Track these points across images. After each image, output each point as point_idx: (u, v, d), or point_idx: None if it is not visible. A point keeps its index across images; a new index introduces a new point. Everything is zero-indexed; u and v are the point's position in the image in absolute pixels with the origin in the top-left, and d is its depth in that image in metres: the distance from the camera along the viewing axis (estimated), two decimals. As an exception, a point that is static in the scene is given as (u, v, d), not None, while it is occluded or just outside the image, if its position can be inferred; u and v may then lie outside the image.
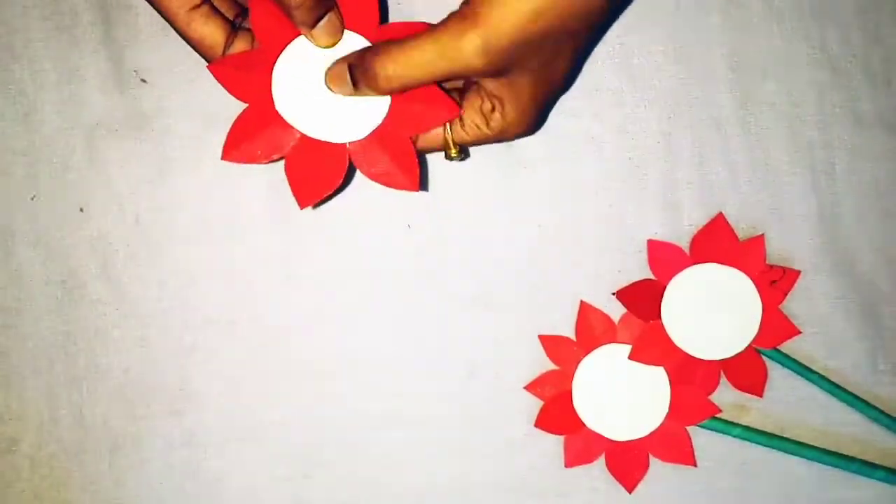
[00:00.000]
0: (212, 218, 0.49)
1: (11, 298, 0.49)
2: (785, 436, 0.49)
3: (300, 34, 0.40)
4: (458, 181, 0.49)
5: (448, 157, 0.43)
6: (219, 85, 0.48)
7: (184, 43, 0.48)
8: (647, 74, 0.49)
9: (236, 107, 0.48)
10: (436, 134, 0.43)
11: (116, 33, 0.48)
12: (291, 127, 0.40)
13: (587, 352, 0.48)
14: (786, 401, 0.49)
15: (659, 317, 0.48)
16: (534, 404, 0.49)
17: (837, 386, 0.49)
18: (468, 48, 0.37)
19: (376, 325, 0.49)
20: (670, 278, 0.48)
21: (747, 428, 0.48)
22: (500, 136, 0.43)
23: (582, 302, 0.49)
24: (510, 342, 0.49)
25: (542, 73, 0.40)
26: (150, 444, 0.49)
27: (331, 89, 0.41)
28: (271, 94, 0.40)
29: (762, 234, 0.48)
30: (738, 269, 0.48)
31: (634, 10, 0.49)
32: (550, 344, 0.49)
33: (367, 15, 0.41)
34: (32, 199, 0.49)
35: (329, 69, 0.41)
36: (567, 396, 0.48)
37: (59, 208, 0.49)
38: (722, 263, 0.48)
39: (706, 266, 0.48)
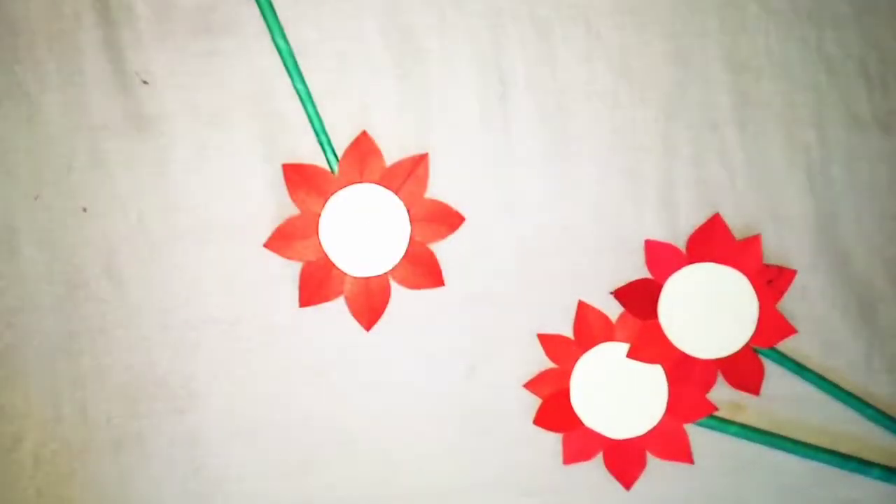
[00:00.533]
0: (213, 218, 0.49)
1: (15, 297, 0.49)
2: (781, 434, 0.49)
3: (332, 196, 0.48)
4: (457, 181, 0.49)
5: None
6: (219, 86, 0.49)
7: (183, 45, 0.49)
8: (645, 75, 0.49)
9: (236, 108, 0.49)
10: None
11: (118, 36, 0.49)
12: (344, 272, 0.49)
13: (585, 350, 0.49)
14: (782, 399, 0.49)
15: (656, 316, 0.48)
16: (533, 402, 0.49)
17: (834, 384, 0.49)
18: None
19: (376, 325, 0.49)
20: (667, 278, 0.48)
21: (744, 426, 0.49)
22: None
23: (580, 301, 0.49)
24: (509, 341, 0.49)
25: None
26: (153, 442, 0.49)
27: None
28: (321, 249, 0.49)
29: (759, 234, 0.49)
30: (735, 268, 0.48)
31: (632, 11, 0.49)
32: (549, 343, 0.49)
33: (375, 163, 0.49)
34: (36, 199, 0.49)
35: None
36: (565, 394, 0.49)
37: (62, 208, 0.49)
38: (719, 263, 0.48)
39: (703, 265, 0.48)
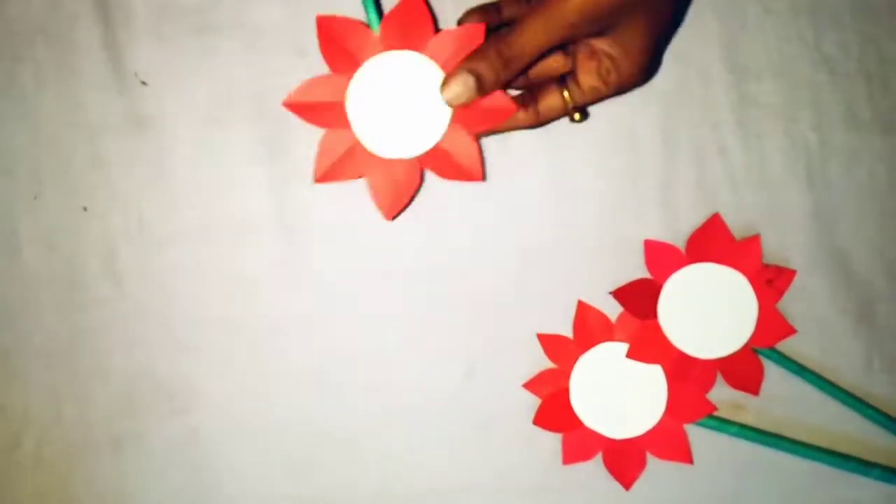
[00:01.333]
0: (213, 217, 0.49)
1: (15, 297, 0.49)
2: (781, 434, 0.49)
3: (367, 60, 0.43)
4: (456, 181, 0.49)
5: (572, 120, 0.46)
6: (217, 85, 0.49)
7: (182, 45, 0.49)
8: (645, 75, 0.49)
9: (236, 107, 0.49)
10: (556, 104, 0.45)
11: (117, 36, 0.49)
12: (369, 151, 0.44)
13: (585, 350, 0.49)
14: (782, 399, 0.49)
15: (656, 316, 0.48)
16: (533, 402, 0.49)
17: (833, 385, 0.49)
18: (569, 16, 0.40)
19: (376, 325, 0.49)
20: (667, 277, 0.48)
21: (743, 426, 0.49)
22: (619, 90, 0.45)
23: (579, 301, 0.49)
24: (509, 341, 0.49)
25: (647, 22, 0.42)
26: (153, 442, 0.49)
27: (450, 103, 0.43)
28: (345, 119, 0.43)
29: (758, 234, 0.49)
30: (735, 268, 0.48)
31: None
32: (548, 343, 0.49)
33: (423, 30, 0.43)
34: (35, 198, 0.49)
35: (447, 84, 0.42)
36: (565, 394, 0.49)
37: (62, 208, 0.49)
38: (718, 263, 0.48)
39: (703, 265, 0.48)
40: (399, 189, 0.44)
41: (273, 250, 0.49)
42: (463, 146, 0.44)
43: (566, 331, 0.49)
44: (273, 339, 0.49)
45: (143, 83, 0.49)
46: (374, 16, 0.43)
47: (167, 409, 0.49)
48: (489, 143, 0.49)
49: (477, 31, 0.42)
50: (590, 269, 0.49)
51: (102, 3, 0.49)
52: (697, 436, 0.49)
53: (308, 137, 0.49)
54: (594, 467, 0.49)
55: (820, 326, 0.49)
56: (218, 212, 0.49)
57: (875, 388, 0.49)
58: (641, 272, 0.49)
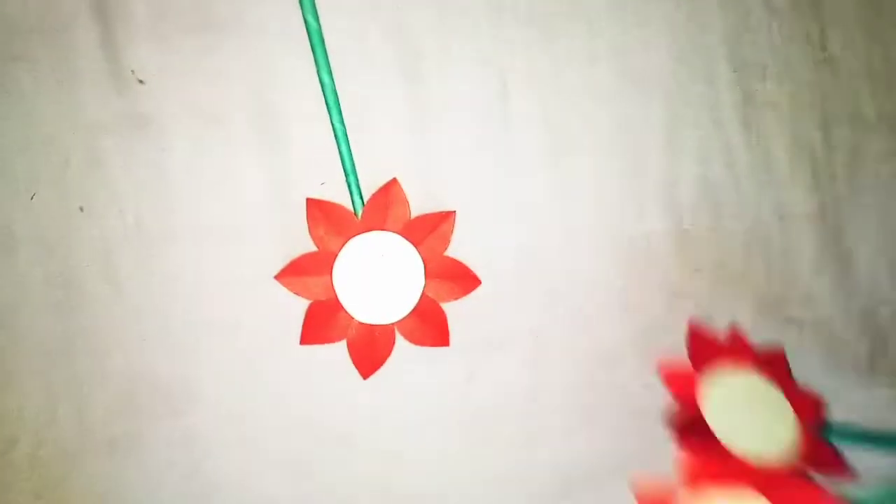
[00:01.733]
0: (212, 218, 0.49)
1: (11, 298, 0.49)
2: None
3: (350, 239, 0.48)
4: (456, 181, 0.49)
5: None
6: (215, 85, 0.49)
7: (181, 44, 0.48)
8: (649, 74, 0.49)
9: (233, 108, 0.48)
10: None
11: (114, 34, 0.49)
12: (351, 316, 0.49)
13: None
14: None
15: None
16: (533, 402, 0.49)
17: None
18: None
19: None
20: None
21: None
22: None
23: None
24: (509, 341, 0.49)
25: None
26: (150, 444, 0.49)
27: None
28: (331, 290, 0.49)
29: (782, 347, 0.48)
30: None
31: (635, 10, 0.49)
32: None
33: (400, 212, 0.49)
34: (32, 198, 0.49)
35: None
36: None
37: (59, 208, 0.49)
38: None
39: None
40: (375, 351, 0.49)
41: (272, 251, 0.49)
42: (432, 315, 0.49)
43: (567, 330, 0.49)
44: (272, 340, 0.49)
45: (141, 82, 0.49)
46: (357, 199, 0.48)
47: (164, 410, 0.49)
48: (490, 140, 0.49)
49: (448, 216, 0.49)
50: (591, 269, 0.49)
51: (100, 1, 0.49)
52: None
53: (308, 138, 0.49)
54: (595, 468, 0.49)
55: (824, 327, 0.49)
56: (216, 212, 0.49)
57: (878, 390, 0.49)
58: (642, 272, 0.49)
